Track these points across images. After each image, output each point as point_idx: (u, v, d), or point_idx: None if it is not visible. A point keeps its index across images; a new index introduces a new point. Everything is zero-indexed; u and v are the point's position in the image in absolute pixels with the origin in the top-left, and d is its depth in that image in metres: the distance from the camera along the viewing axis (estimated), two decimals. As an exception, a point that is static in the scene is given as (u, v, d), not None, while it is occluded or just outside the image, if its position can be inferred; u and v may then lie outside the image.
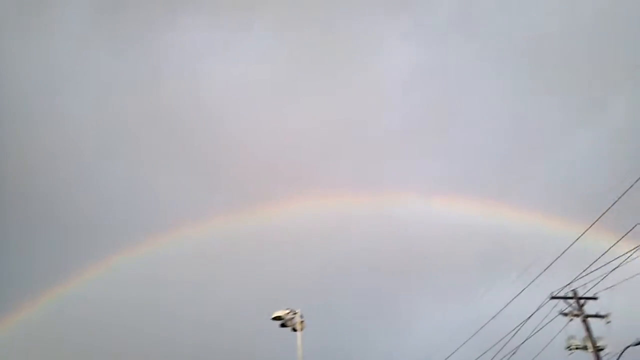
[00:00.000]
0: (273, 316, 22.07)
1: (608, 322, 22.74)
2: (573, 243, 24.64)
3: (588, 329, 22.84)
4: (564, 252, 24.75)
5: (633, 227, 22.26)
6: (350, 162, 57.62)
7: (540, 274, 25.49)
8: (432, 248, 55.49)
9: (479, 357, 26.33)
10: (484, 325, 27.27)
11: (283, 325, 22.08)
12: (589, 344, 22.52)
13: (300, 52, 57.72)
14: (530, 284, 25.89)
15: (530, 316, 24.56)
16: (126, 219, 53.02)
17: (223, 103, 57.01)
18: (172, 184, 56.38)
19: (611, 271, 22.19)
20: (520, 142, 57.56)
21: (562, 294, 23.96)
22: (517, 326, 25.28)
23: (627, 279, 22.38)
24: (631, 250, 22.63)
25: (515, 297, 26.74)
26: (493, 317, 26.77)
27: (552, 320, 24.02)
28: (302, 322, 22.31)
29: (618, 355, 21.68)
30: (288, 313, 22.26)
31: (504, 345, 25.15)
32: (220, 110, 56.73)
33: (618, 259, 21.80)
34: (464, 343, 28.40)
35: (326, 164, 57.29)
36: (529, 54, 55.92)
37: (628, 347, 21.55)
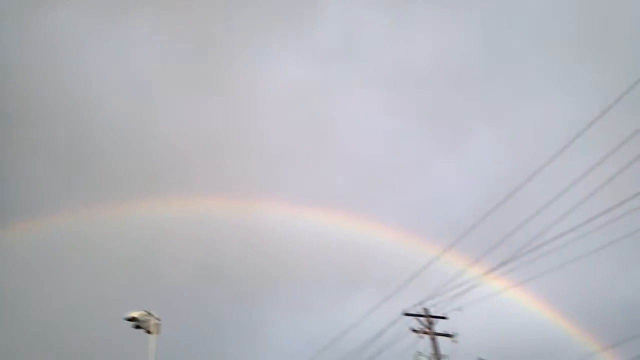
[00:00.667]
0: (127, 317, 21.15)
1: (454, 342, 23.95)
2: (428, 264, 25.86)
3: (435, 347, 23.90)
4: (418, 272, 25.89)
5: (484, 254, 23.72)
6: (221, 168, 56.88)
7: (395, 292, 26.48)
8: (296, 259, 56.02)
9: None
10: (336, 338, 27.86)
11: (137, 327, 21.21)
12: (435, 361, 23.57)
13: (178, 57, 56.73)
14: (384, 300, 26.82)
15: (383, 331, 25.43)
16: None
17: (95, 101, 54.41)
18: (31, 177, 52.82)
19: (461, 293, 23.49)
20: (392, 161, 59.88)
21: (414, 311, 24.96)
22: (369, 340, 26.09)
23: (475, 302, 23.80)
24: (481, 275, 24.10)
25: (369, 312, 27.57)
26: (345, 331, 27.42)
27: (404, 336, 25.02)
28: (157, 324, 21.56)
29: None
30: (143, 314, 21.42)
31: (357, 357, 25.86)
32: (90, 108, 54.11)
33: (468, 282, 23.18)
34: (319, 352, 28.84)
35: (196, 168, 56.19)
36: (405, 81, 58.48)
37: (470, 366, 22.93)
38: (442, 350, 23.98)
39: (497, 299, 26.15)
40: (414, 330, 24.47)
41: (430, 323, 24.39)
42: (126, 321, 21.37)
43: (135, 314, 21.22)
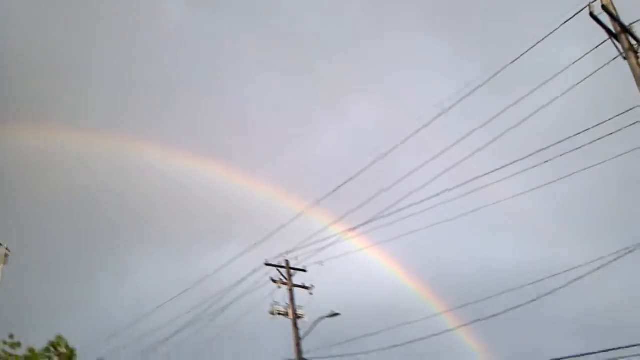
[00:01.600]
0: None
1: (311, 294, 24.57)
2: (293, 219, 26.17)
3: (292, 297, 24.38)
4: (283, 226, 26.15)
5: (346, 214, 24.31)
6: (98, 102, 54.00)
7: (259, 243, 26.63)
8: (170, 205, 54.90)
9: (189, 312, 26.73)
10: (197, 282, 27.71)
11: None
12: (290, 311, 24.05)
13: None
14: (248, 250, 26.93)
15: (243, 279, 25.59)
16: None
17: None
18: None
19: (322, 248, 24.02)
20: (276, 117, 59.94)
21: (276, 262, 25.26)
22: (229, 287, 26.17)
23: (335, 258, 24.47)
24: (342, 232, 24.71)
25: (231, 260, 27.61)
26: (207, 276, 27.34)
27: (264, 285, 25.31)
28: (6, 254, 20.31)
29: (313, 323, 23.70)
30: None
31: (215, 302, 25.89)
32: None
33: (330, 239, 23.75)
34: (177, 296, 28.57)
35: (71, 96, 52.91)
36: (292, 40, 58.13)
37: (322, 318, 23.65)
38: (298, 302, 24.53)
39: (355, 257, 27.05)
40: (274, 281, 24.78)
41: (290, 275, 24.79)
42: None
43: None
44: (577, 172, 18.17)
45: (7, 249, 20.65)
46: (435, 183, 19.98)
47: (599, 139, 14.75)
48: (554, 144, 15.84)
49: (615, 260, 14.41)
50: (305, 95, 60.45)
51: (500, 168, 18.16)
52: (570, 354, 18.81)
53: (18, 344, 26.84)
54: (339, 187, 24.15)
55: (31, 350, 26.81)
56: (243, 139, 58.16)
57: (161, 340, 26.55)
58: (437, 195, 20.08)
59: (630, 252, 13.25)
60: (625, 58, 13.96)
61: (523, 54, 16.59)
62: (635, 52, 13.89)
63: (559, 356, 19.20)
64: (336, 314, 23.44)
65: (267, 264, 25.03)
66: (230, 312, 25.88)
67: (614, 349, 17.00)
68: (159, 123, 55.25)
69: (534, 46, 16.21)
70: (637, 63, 13.82)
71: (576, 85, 15.72)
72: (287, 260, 25.04)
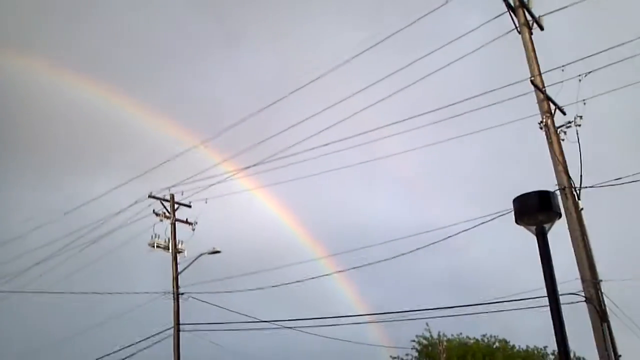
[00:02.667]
0: None
1: (193, 229, 24.42)
2: (182, 153, 25.78)
3: (173, 232, 24.18)
4: (171, 158, 25.70)
5: (236, 154, 24.22)
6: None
7: (142, 174, 26.05)
8: (49, 127, 52.03)
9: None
10: (75, 209, 26.82)
11: None
12: (171, 246, 23.88)
13: None
14: (131, 180, 26.30)
15: (123, 210, 25.03)
16: None
17: None
18: None
19: (209, 186, 23.87)
20: (172, 46, 57.83)
21: (161, 195, 24.83)
22: (108, 217, 25.53)
23: (221, 196, 24.40)
24: (230, 172, 24.69)
25: (111, 189, 26.88)
26: (84, 204, 26.53)
27: (145, 217, 24.89)
28: None
29: (193, 259, 23.71)
30: None
31: (93, 229, 25.21)
32: None
33: (218, 177, 23.65)
34: (52, 222, 27.57)
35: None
36: None
37: (203, 254, 23.69)
38: (181, 237, 24.37)
39: (241, 197, 27.15)
40: (156, 214, 24.39)
41: (174, 209, 24.49)
42: None
43: None
44: (462, 136, 19.08)
45: None
46: (328, 133, 20.29)
47: (484, 107, 15.50)
48: (443, 107, 16.47)
49: (482, 223, 15.32)
50: (208, 28, 58.66)
51: (390, 124, 18.70)
52: (439, 306, 20.11)
53: None
54: (231, 126, 24.01)
55: None
56: (133, 63, 55.71)
57: (36, 263, 25.59)
58: (326, 145, 20.42)
59: (496, 217, 14.14)
60: (519, 32, 14.62)
61: (421, 18, 16.99)
62: (530, 28, 14.57)
63: (427, 306, 20.49)
64: (217, 252, 23.52)
65: (151, 196, 24.55)
66: (108, 241, 25.34)
67: (466, 306, 18.38)
68: (34, 39, 51.68)
69: (433, 11, 16.61)
70: (530, 39, 14.52)
71: (469, 53, 16.32)
72: (172, 194, 24.68)
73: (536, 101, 14.05)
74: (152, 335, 22.70)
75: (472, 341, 41.35)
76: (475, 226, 15.58)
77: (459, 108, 16.03)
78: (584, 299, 12.58)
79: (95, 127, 50.41)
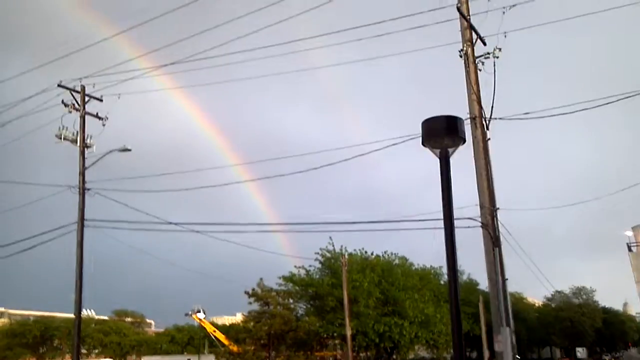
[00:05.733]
0: None
1: (103, 124, 23.50)
2: (95, 43, 24.47)
3: (83, 125, 23.25)
4: (82, 48, 24.40)
5: (159, 48, 23.29)
6: None
7: (53, 60, 24.63)
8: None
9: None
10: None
11: None
12: (79, 139, 23.01)
13: None
14: (40, 66, 24.85)
15: (29, 98, 23.79)
16: None
17: None
18: None
19: (123, 80, 22.99)
20: None
21: (71, 86, 23.62)
22: (14, 103, 24.26)
23: (135, 93, 23.59)
24: (149, 69, 23.89)
25: (20, 74, 25.39)
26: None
27: (53, 108, 23.75)
28: None
29: (102, 155, 22.97)
30: None
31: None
32: None
33: (134, 72, 22.77)
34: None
35: None
36: None
37: (113, 150, 23.01)
38: (90, 131, 23.48)
39: (157, 96, 26.39)
40: (65, 104, 23.26)
41: (84, 101, 23.43)
42: None
43: None
44: (386, 56, 19.13)
45: None
46: (257, 40, 19.83)
47: (409, 29, 15.51)
48: (375, 23, 16.34)
49: (394, 144, 15.61)
50: None
51: (319, 35, 18.47)
52: (346, 221, 20.74)
53: None
54: (151, 19, 22.96)
55: None
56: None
57: None
58: (251, 50, 20.00)
59: (407, 139, 14.43)
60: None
61: None
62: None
63: (332, 220, 21.03)
64: (127, 149, 22.81)
65: (60, 86, 23.29)
66: (12, 129, 24.15)
67: (370, 222, 19.02)
68: None
69: None
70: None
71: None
72: (82, 86, 23.50)
73: (459, 29, 14.17)
74: (56, 229, 22.19)
75: (373, 257, 43.16)
76: (386, 147, 15.90)
77: (386, 27, 15.99)
78: (480, 224, 13.28)
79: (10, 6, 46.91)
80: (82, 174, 22.77)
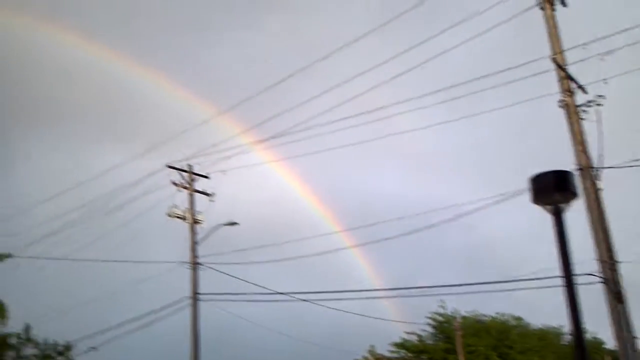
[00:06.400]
0: None
1: (211, 200, 24.58)
2: (201, 123, 25.89)
3: (192, 202, 24.38)
4: (189, 129, 25.85)
5: (256, 125, 24.28)
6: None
7: (161, 143, 26.24)
8: (63, 91, 52.44)
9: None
10: (86, 181, 27.13)
11: None
12: (189, 215, 24.09)
13: None
14: (149, 150, 26.52)
15: (142, 179, 25.25)
16: None
17: None
18: None
19: (228, 157, 24.00)
20: (182, 21, 57.95)
21: (179, 166, 24.97)
22: (126, 186, 25.80)
23: (239, 168, 24.58)
24: (249, 144, 24.77)
25: (132, 158, 27.11)
26: (100, 175, 26.84)
27: (163, 188, 25.10)
28: None
29: (211, 230, 23.90)
30: None
31: (111, 199, 25.50)
32: None
33: (237, 148, 23.76)
34: (69, 190, 27.90)
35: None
36: None
37: (220, 225, 23.90)
38: (198, 208, 24.56)
39: (260, 169, 27.32)
40: (175, 184, 24.56)
41: (192, 179, 24.65)
42: None
43: None
44: (478, 115, 18.98)
45: None
46: (343, 108, 20.33)
47: (501, 85, 15.35)
48: (459, 84, 16.35)
49: (497, 202, 15.30)
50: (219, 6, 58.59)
51: (404, 101, 18.66)
52: (452, 283, 20.24)
53: None
54: (248, 98, 24.08)
55: None
56: (151, 36, 55.85)
57: (53, 231, 25.99)
58: (343, 119, 20.47)
59: (512, 197, 14.11)
60: (542, 9, 14.41)
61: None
62: (552, 4, 14.34)
63: (440, 283, 20.62)
64: (234, 223, 23.71)
65: (169, 167, 24.69)
66: (126, 211, 25.63)
67: (481, 283, 18.44)
68: (59, 11, 51.77)
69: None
70: (552, 15, 14.31)
71: (489, 29, 16.13)
72: (189, 165, 24.82)
73: (557, 79, 13.90)
74: (171, 304, 23.09)
75: (487, 318, 41.46)
76: (490, 204, 15.58)
77: (472, 86, 15.94)
78: (600, 279, 12.57)
79: (114, 98, 50.74)
80: (193, 249, 23.72)
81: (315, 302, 23.35)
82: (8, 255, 26.83)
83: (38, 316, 29.62)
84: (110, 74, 45.36)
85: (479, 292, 19.16)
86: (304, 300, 22.54)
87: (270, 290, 22.48)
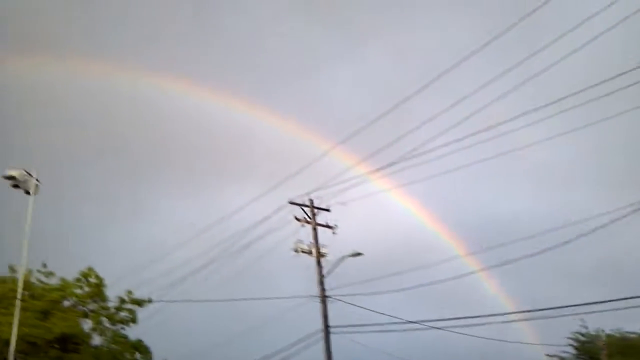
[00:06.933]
0: (6, 174, 20.16)
1: (334, 233, 24.96)
2: (318, 158, 26.40)
3: (315, 236, 24.83)
4: (307, 165, 26.39)
5: (371, 154, 24.45)
6: (113, 37, 53.78)
7: (282, 181, 26.97)
8: (184, 142, 55.43)
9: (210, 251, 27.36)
10: (217, 222, 28.24)
11: (15, 186, 20.40)
12: (314, 250, 24.54)
13: None
14: (272, 188, 27.31)
15: (267, 218, 26.02)
16: None
17: None
18: None
19: (346, 188, 24.29)
20: (291, 60, 59.69)
21: (300, 201, 25.59)
22: (252, 226, 26.65)
23: (358, 198, 24.79)
24: (366, 173, 24.92)
25: (255, 198, 28.03)
26: (229, 216, 27.85)
27: (286, 224, 25.76)
28: (36, 185, 20.83)
29: (336, 262, 24.20)
30: (22, 174, 20.54)
31: (239, 239, 26.46)
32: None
33: (354, 179, 24.01)
34: (199, 234, 29.20)
35: (86, 32, 52.82)
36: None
37: (346, 256, 24.13)
38: (321, 241, 24.96)
39: (377, 198, 27.34)
40: (297, 219, 25.15)
41: (314, 214, 25.16)
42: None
43: (14, 172, 20.28)
44: (595, 123, 18.10)
45: (37, 180, 21.11)
46: (457, 128, 20.06)
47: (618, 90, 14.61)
48: (573, 94, 15.74)
49: (631, 213, 14.47)
50: (323, 32, 59.80)
51: (520, 115, 18.15)
52: (584, 302, 19.16)
53: (51, 273, 27.86)
54: (365, 127, 24.30)
55: (63, 280, 27.80)
56: (260, 74, 57.99)
57: (186, 275, 27.26)
58: (459, 140, 20.17)
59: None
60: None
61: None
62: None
63: (572, 303, 19.59)
64: (359, 254, 23.89)
65: (291, 203, 25.35)
66: (251, 250, 26.45)
67: (625, 299, 17.29)
68: (174, 57, 55.00)
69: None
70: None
71: (600, 35, 15.44)
72: (310, 200, 25.37)
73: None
74: (304, 338, 23.49)
75: (634, 336, 38.74)
76: (629, 213, 14.72)
77: (590, 94, 15.28)
78: None
79: (234, 141, 52.93)
80: (321, 282, 24.07)
81: (447, 329, 22.89)
82: (149, 301, 28.56)
83: (180, 356, 31.12)
84: (223, 116, 47.38)
85: (623, 308, 18.03)
86: (437, 328, 22.16)
87: (401, 319, 22.33)
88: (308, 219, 25.08)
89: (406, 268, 23.89)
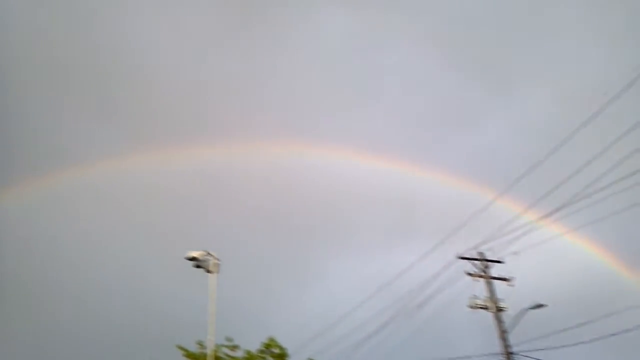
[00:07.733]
0: (188, 256, 21.84)
1: (511, 285, 23.87)
2: (484, 208, 25.70)
3: (491, 290, 23.89)
4: (474, 215, 25.76)
5: (539, 199, 23.41)
6: (277, 113, 57.06)
7: (449, 235, 26.48)
8: (350, 204, 56.73)
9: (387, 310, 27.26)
10: (390, 281, 28.15)
11: (197, 267, 21.96)
12: (491, 304, 23.58)
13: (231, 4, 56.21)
14: (439, 243, 26.88)
15: (437, 275, 25.53)
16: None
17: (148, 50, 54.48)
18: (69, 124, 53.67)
19: (517, 237, 23.32)
20: (441, 112, 59.64)
21: (469, 255, 24.89)
22: (423, 284, 26.29)
23: (530, 246, 23.64)
24: (537, 219, 23.86)
25: (423, 255, 27.71)
26: (399, 275, 27.67)
27: (457, 280, 25.11)
28: (216, 264, 22.24)
29: (517, 316, 23.00)
30: (203, 254, 22.10)
31: (410, 300, 26.16)
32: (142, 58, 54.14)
33: (524, 227, 22.99)
34: (369, 297, 29.28)
35: (251, 112, 56.57)
36: (453, 34, 57.03)
37: (527, 309, 22.90)
38: (498, 294, 23.97)
39: (552, 244, 25.93)
40: (469, 274, 24.43)
41: (486, 267, 24.33)
42: (186, 260, 22.16)
43: (195, 254, 21.90)
44: None
45: (216, 258, 22.54)
46: (622, 166, 18.88)
47: None
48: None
49: None
50: (470, 83, 59.21)
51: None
52: None
53: (237, 347, 29.16)
54: (526, 173, 23.46)
55: (248, 352, 28.97)
56: (412, 131, 58.26)
57: (363, 339, 27.25)
58: (625, 178, 19.00)
59: None
60: None
61: None
62: None
63: None
64: (541, 305, 22.59)
65: (461, 257, 24.72)
66: (428, 308, 25.97)
67: None
68: (334, 126, 56.97)
69: None
70: None
71: None
72: (480, 252, 24.61)
73: None
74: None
75: None
76: None
77: None
78: None
79: (392, 197, 53.28)
80: (503, 338, 22.94)
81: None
82: None
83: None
84: (378, 175, 47.97)
85: None
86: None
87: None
88: (482, 273, 24.28)
89: (595, 316, 22.20)
